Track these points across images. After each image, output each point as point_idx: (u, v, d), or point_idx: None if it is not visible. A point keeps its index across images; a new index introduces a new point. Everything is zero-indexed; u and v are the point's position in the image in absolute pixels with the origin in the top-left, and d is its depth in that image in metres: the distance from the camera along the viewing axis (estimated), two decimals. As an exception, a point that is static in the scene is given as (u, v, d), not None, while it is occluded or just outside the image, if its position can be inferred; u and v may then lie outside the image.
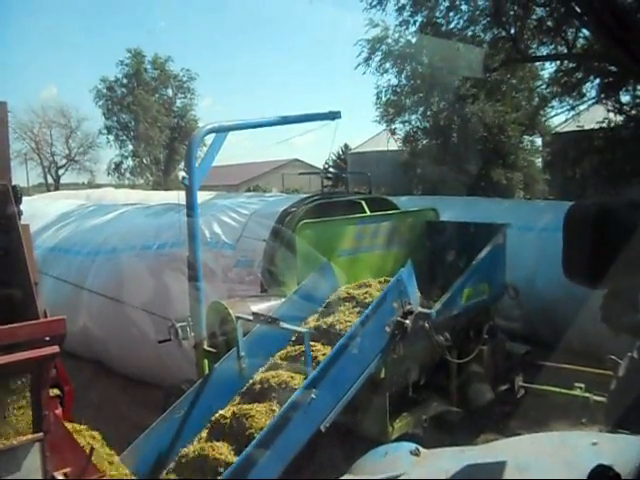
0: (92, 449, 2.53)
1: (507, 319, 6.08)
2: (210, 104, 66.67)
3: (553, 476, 1.44)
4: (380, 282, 4.98)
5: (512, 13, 13.23)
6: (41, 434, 2.37)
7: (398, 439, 4.42)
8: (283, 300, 4.76)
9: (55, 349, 2.36)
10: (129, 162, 37.59)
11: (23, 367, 2.32)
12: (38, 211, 10.05)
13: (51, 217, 10.12)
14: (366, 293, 4.77)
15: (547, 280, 7.37)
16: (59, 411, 2.78)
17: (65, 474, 2.43)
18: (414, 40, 15.49)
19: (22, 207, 3.01)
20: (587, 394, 5.26)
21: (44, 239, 9.14)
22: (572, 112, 15.79)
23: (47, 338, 2.34)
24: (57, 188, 36.11)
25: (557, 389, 5.59)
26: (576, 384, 5.42)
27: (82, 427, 2.99)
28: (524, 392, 5.82)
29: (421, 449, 1.81)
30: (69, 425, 2.85)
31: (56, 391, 2.86)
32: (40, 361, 2.34)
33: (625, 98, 14.18)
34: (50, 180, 41.73)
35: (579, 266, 1.16)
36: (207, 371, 4.44)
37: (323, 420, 3.74)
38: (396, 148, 21.29)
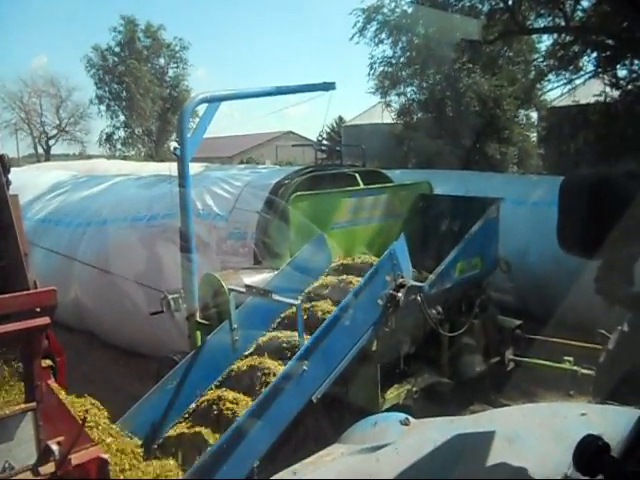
0: (84, 418, 2.55)
1: (499, 292, 6.12)
2: (204, 74, 65.70)
3: (542, 446, 1.46)
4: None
5: (510, -16, 13.02)
6: (34, 403, 2.38)
7: (389, 410, 4.48)
8: (276, 272, 4.76)
9: (46, 320, 2.35)
10: (121, 133, 37.06)
11: (14, 338, 2.31)
12: (28, 182, 9.94)
13: (41, 188, 10.02)
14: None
15: (539, 254, 7.41)
16: (51, 381, 2.78)
17: (59, 442, 2.44)
18: (410, 10, 15.26)
19: (12, 177, 2.97)
20: (576, 367, 5.34)
21: (35, 210, 9.06)
22: (568, 86, 15.64)
23: (38, 309, 2.33)
24: (48, 159, 35.62)
25: (546, 362, 5.67)
26: (565, 357, 5.49)
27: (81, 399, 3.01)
28: (514, 365, 5.90)
29: (411, 419, 1.83)
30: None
31: (48, 362, 2.86)
32: (31, 332, 2.34)
33: (622, 72, 14.06)
34: (40, 151, 41.18)
35: (574, 236, 1.15)
36: (199, 343, 4.45)
37: (315, 391, 3.78)
38: (391, 121, 21.12)
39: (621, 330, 3.07)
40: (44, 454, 2.41)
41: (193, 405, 4.04)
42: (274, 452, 3.54)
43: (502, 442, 1.47)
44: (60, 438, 2.45)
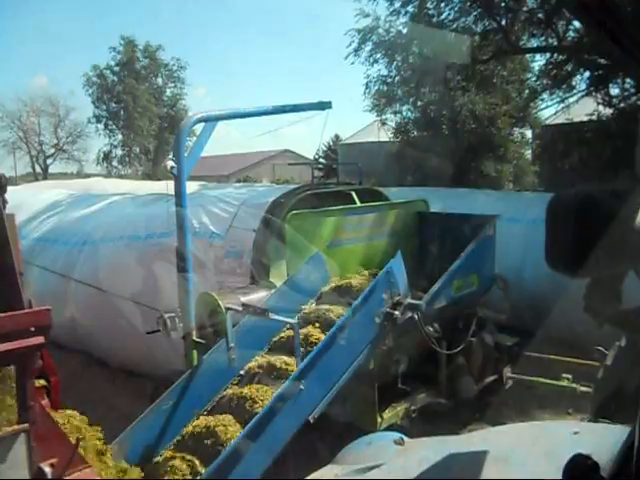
0: (78, 439, 2.52)
1: (496, 310, 6.11)
2: (203, 94, 66.24)
3: (533, 465, 1.45)
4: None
5: (503, 4, 13.22)
6: (27, 425, 2.36)
7: (386, 429, 4.45)
8: (273, 291, 4.76)
9: (40, 340, 2.34)
10: (118, 152, 37.26)
11: (8, 358, 2.30)
12: (25, 201, 9.94)
13: (38, 207, 10.02)
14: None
15: (535, 271, 7.41)
16: (45, 402, 2.77)
17: (52, 464, 2.42)
18: (405, 30, 15.46)
19: (8, 197, 2.98)
20: (574, 384, 5.31)
21: (31, 229, 9.05)
22: (562, 105, 15.81)
23: (32, 329, 2.32)
24: (45, 178, 35.65)
25: (544, 380, 5.64)
26: (563, 375, 5.47)
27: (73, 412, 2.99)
28: (512, 383, 5.87)
29: (405, 438, 1.82)
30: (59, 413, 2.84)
31: (42, 382, 2.84)
32: (25, 352, 2.33)
33: (614, 91, 14.23)
34: (38, 169, 41.27)
35: (561, 254, 1.17)
36: (196, 362, 4.43)
37: (312, 411, 3.75)
38: (387, 139, 21.26)
39: (619, 346, 3.07)
40: (37, 476, 2.38)
41: (184, 432, 3.97)
42: (270, 474, 3.50)
43: (493, 461, 1.46)
44: (53, 460, 2.43)
